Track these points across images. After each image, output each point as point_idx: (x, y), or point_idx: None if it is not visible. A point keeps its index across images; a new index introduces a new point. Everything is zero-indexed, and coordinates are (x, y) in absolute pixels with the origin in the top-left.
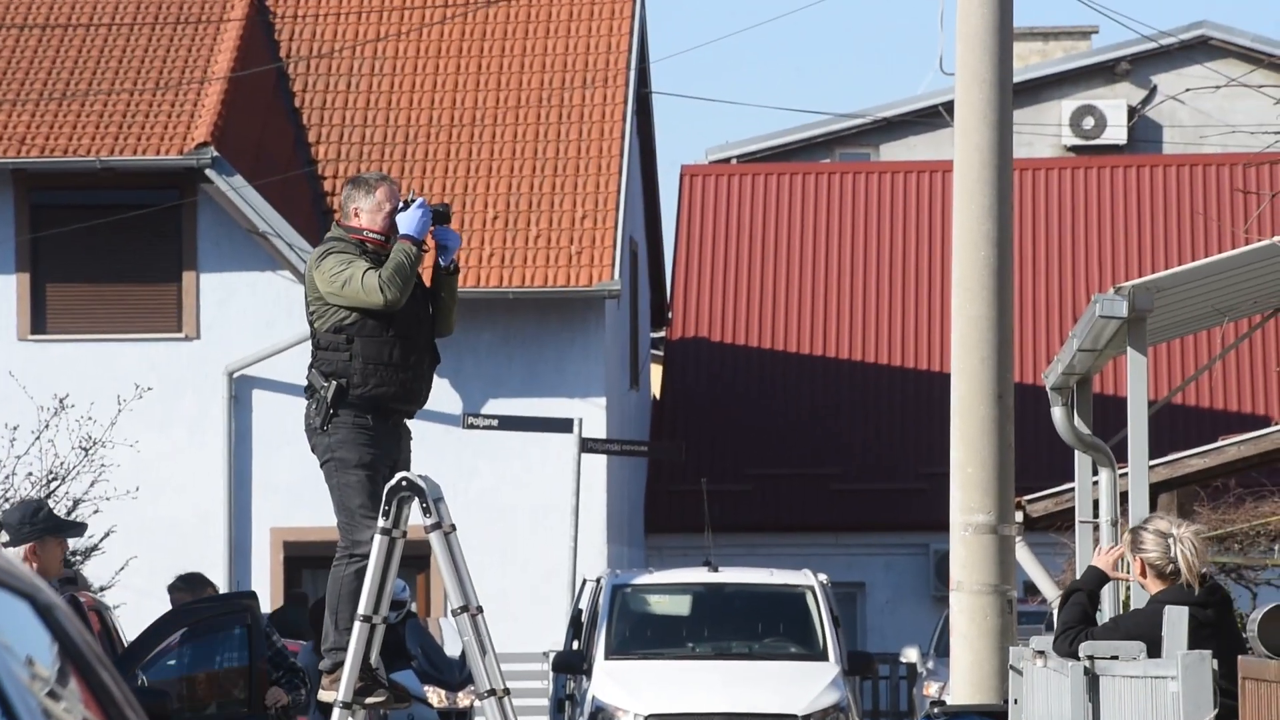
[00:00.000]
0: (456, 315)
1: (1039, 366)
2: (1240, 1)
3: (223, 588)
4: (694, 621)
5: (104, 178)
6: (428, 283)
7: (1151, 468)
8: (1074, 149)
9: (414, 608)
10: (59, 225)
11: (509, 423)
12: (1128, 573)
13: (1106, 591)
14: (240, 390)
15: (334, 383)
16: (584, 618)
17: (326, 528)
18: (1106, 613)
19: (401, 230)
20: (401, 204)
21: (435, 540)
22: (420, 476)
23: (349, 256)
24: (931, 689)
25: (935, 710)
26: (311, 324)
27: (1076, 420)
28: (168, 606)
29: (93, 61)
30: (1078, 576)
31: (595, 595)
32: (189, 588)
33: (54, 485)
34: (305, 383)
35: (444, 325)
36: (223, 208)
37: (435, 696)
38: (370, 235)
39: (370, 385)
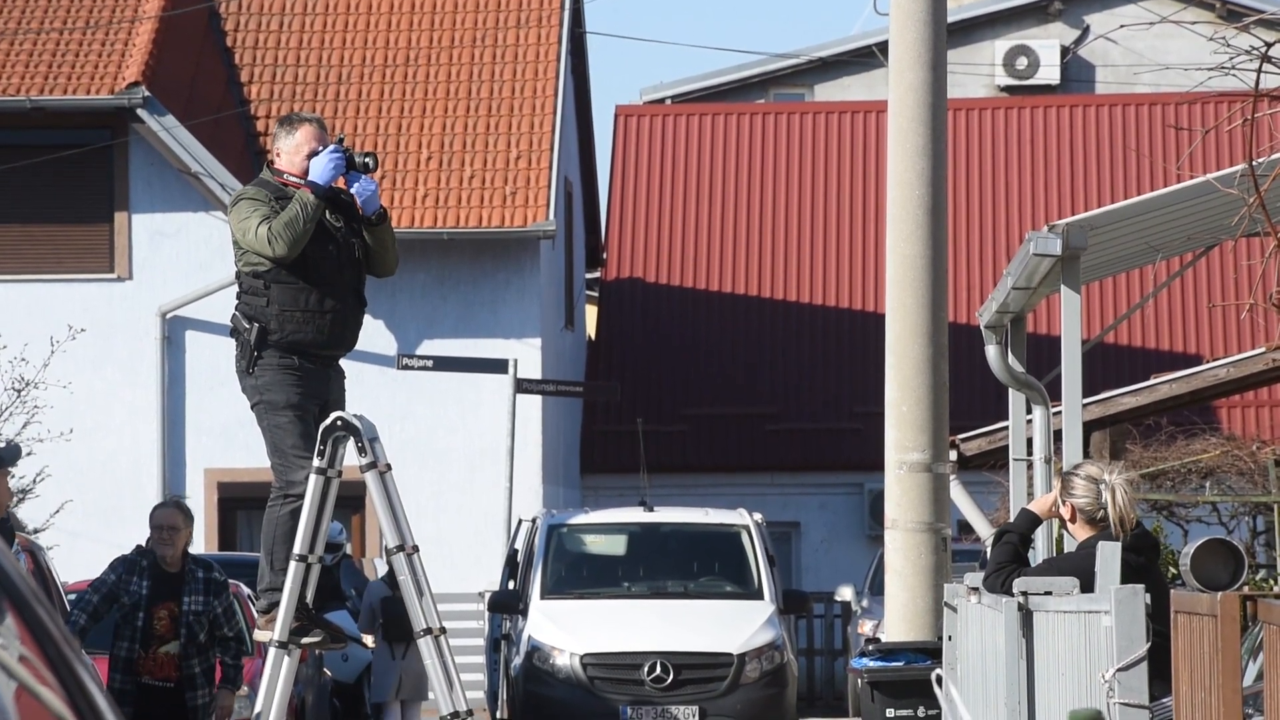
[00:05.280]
0: (395, 257)
1: (973, 305)
2: None
3: None
4: (629, 561)
5: (34, 117)
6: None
7: (1085, 406)
8: (1007, 89)
9: (349, 550)
10: None
11: (444, 363)
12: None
13: (1040, 534)
14: (173, 331)
15: (255, 325)
16: (520, 558)
17: (261, 469)
18: (1040, 554)
19: (309, 177)
20: (322, 148)
21: (371, 480)
22: (355, 416)
23: (257, 203)
24: (866, 627)
25: (870, 648)
26: (236, 264)
27: (1010, 358)
28: (102, 549)
29: (22, 0)
30: (1011, 515)
31: (531, 535)
32: None
33: None
34: (230, 324)
35: (380, 268)
36: (154, 148)
37: (369, 637)
38: (290, 179)
39: (287, 331)
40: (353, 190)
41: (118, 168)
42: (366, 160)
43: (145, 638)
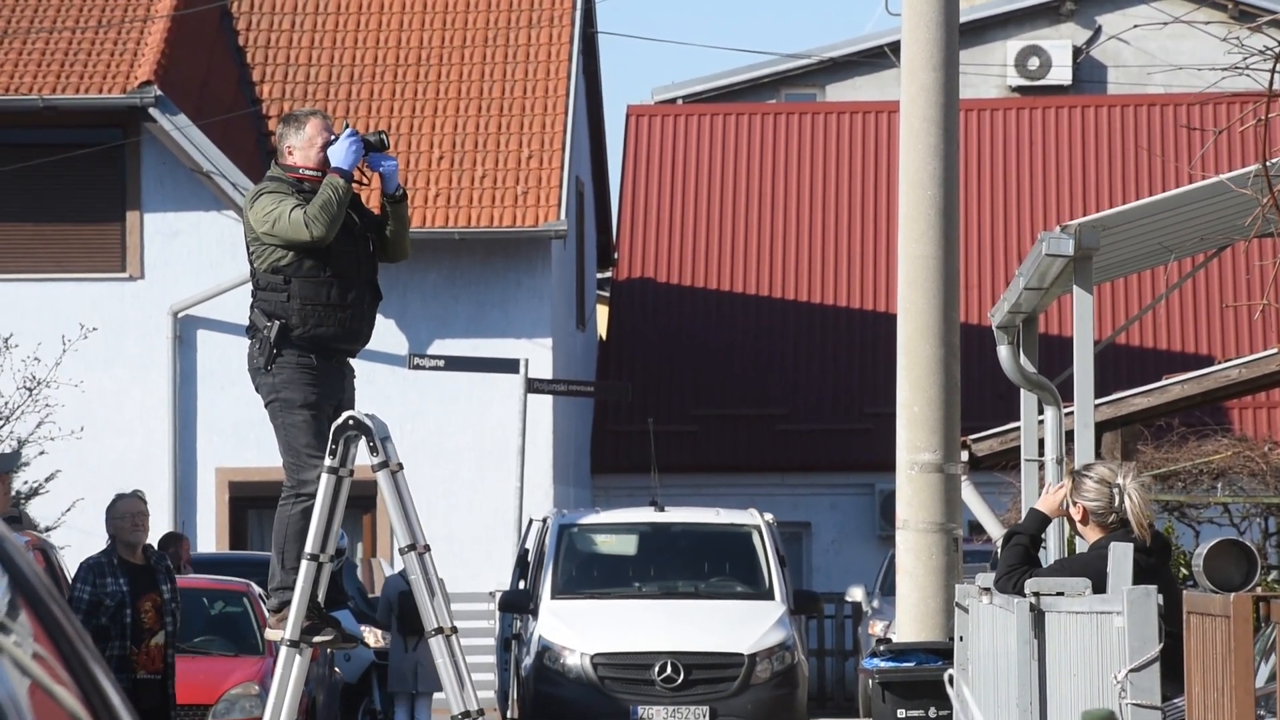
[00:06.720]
0: (409, 240)
1: (985, 306)
2: None
3: (168, 528)
4: (640, 561)
5: (46, 116)
6: (377, 214)
7: (1096, 406)
8: (1019, 89)
9: (360, 552)
10: (0, 164)
11: (455, 363)
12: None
13: (1052, 532)
14: (184, 330)
15: (277, 322)
16: (530, 557)
17: (272, 468)
18: (1051, 553)
19: (332, 164)
20: (334, 136)
21: (383, 479)
22: (367, 415)
23: (280, 195)
24: (877, 627)
25: (881, 648)
26: (251, 264)
27: (1022, 359)
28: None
29: None
30: (1023, 516)
31: (541, 535)
32: None
33: None
34: (248, 322)
35: (398, 251)
36: (166, 147)
37: (371, 636)
38: (306, 173)
39: (309, 325)
40: (379, 170)
41: (129, 167)
42: (382, 136)
43: (136, 632)
